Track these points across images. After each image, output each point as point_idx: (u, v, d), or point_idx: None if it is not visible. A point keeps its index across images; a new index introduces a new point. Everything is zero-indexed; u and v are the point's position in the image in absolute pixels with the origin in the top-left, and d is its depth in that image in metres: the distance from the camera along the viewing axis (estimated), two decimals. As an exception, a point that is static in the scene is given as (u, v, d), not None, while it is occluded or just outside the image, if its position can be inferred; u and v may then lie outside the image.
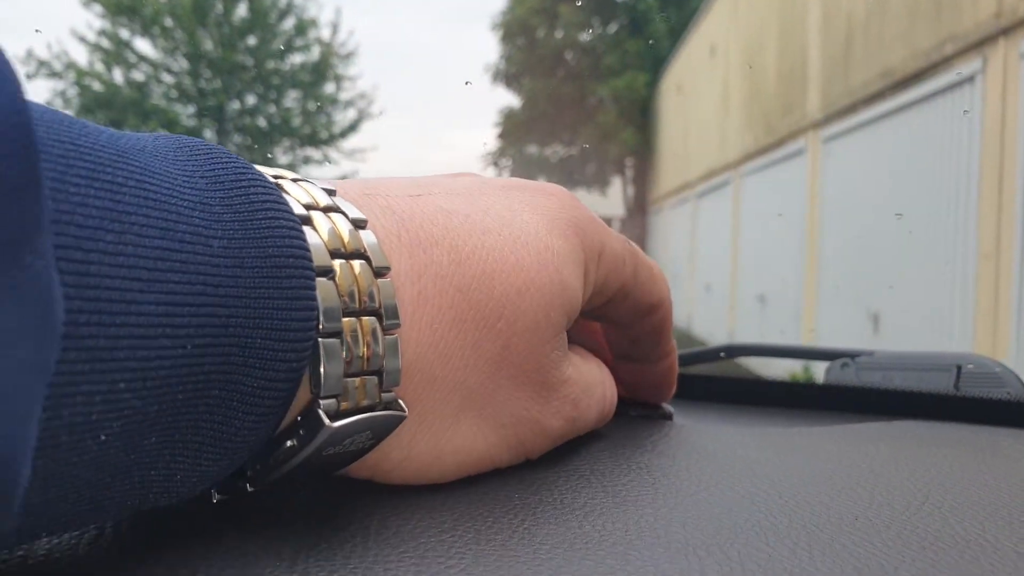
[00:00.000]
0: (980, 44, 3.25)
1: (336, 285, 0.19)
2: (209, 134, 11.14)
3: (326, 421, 0.18)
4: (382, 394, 0.20)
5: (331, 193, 0.21)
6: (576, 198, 0.27)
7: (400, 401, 0.21)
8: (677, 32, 10.60)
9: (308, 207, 0.19)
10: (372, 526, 0.20)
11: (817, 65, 5.04)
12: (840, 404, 0.40)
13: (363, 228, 0.20)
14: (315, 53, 11.61)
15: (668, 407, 0.34)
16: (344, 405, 0.19)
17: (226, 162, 0.19)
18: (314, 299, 0.18)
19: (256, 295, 0.17)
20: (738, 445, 0.28)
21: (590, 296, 0.27)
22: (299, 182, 0.20)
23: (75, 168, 0.15)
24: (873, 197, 4.08)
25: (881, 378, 0.42)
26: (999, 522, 0.21)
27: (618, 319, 0.30)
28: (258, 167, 0.20)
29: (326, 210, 0.20)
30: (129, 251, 0.15)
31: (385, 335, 0.20)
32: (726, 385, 0.41)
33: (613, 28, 12.96)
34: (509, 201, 0.25)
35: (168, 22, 10.79)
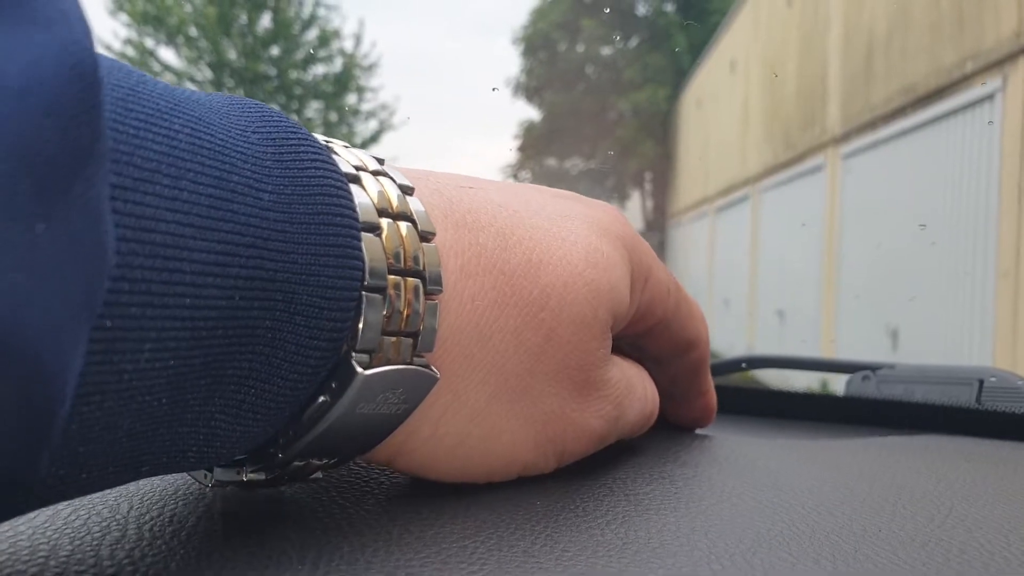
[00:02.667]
0: (1001, 62, 3.23)
1: (382, 243, 0.19)
2: (231, 143, 11.20)
3: (358, 369, 0.18)
4: (415, 357, 0.20)
5: (380, 162, 0.21)
6: (627, 220, 0.27)
7: (433, 368, 0.20)
8: (698, 47, 10.61)
9: (357, 168, 0.19)
10: (394, 531, 0.20)
11: (837, 81, 5.02)
12: (861, 417, 0.39)
13: (410, 195, 0.20)
14: (338, 64, 11.70)
15: None
16: (377, 361, 0.19)
17: (277, 121, 0.19)
18: (360, 256, 0.18)
19: (303, 251, 0.17)
20: (760, 456, 0.28)
21: (633, 318, 0.27)
22: (349, 148, 0.20)
23: (133, 112, 0.15)
24: (892, 214, 4.06)
25: (902, 391, 0.42)
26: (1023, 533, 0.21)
27: (657, 354, 0.30)
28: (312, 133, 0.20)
29: (375, 173, 0.20)
30: (184, 196, 0.15)
31: (427, 299, 0.20)
32: (748, 397, 0.41)
33: (634, 42, 12.98)
34: (560, 207, 0.25)
35: (193, 32, 10.92)
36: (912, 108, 3.94)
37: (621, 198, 13.47)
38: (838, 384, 0.48)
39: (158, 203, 0.14)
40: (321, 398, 0.18)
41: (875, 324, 4.10)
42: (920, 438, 0.34)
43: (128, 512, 0.20)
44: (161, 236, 0.14)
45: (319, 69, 11.65)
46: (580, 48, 12.94)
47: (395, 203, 0.19)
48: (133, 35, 10.92)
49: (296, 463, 0.19)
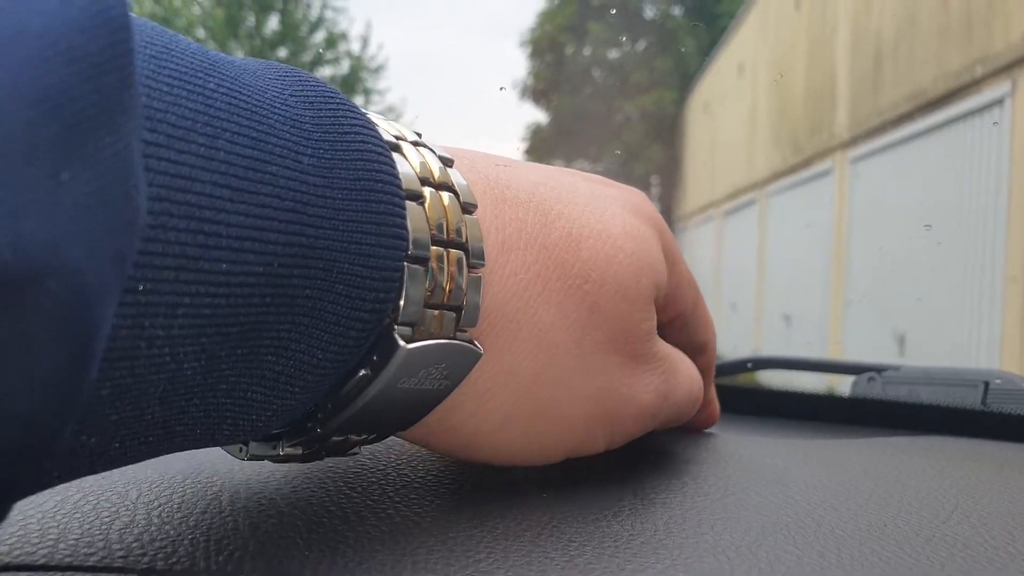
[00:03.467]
0: (1010, 67, 3.22)
1: (425, 212, 0.18)
2: (238, 144, 11.24)
3: (401, 343, 0.17)
4: (457, 332, 0.19)
5: (419, 135, 0.20)
6: (654, 207, 0.27)
7: (476, 343, 0.20)
8: (705, 50, 10.60)
9: (397, 138, 0.19)
10: (400, 520, 0.20)
11: (845, 85, 5.02)
12: (867, 418, 0.39)
13: (450, 167, 0.20)
14: (345, 66, 11.73)
15: None
16: (419, 335, 0.18)
17: (315, 85, 0.18)
18: (404, 226, 0.17)
19: (344, 217, 0.16)
20: (766, 454, 0.28)
21: (660, 305, 0.26)
22: (387, 119, 0.20)
23: (167, 68, 0.14)
24: (900, 218, 4.05)
25: (907, 393, 0.42)
26: (1029, 532, 0.21)
27: None
28: None
29: (414, 144, 0.19)
30: (221, 156, 0.14)
31: (470, 272, 0.19)
32: (753, 397, 0.41)
33: (641, 45, 12.98)
34: (593, 187, 0.25)
35: (201, 33, 10.96)
36: (921, 112, 3.94)
37: (628, 201, 13.45)
38: (845, 386, 0.48)
39: (193, 162, 0.14)
40: (362, 371, 0.18)
41: (882, 329, 4.09)
42: (925, 439, 0.34)
43: (137, 498, 0.20)
44: (196, 196, 0.14)
45: (326, 71, 11.67)
46: (587, 51, 12.95)
47: (437, 174, 0.19)
48: (142, 36, 10.94)
49: (335, 438, 0.19)
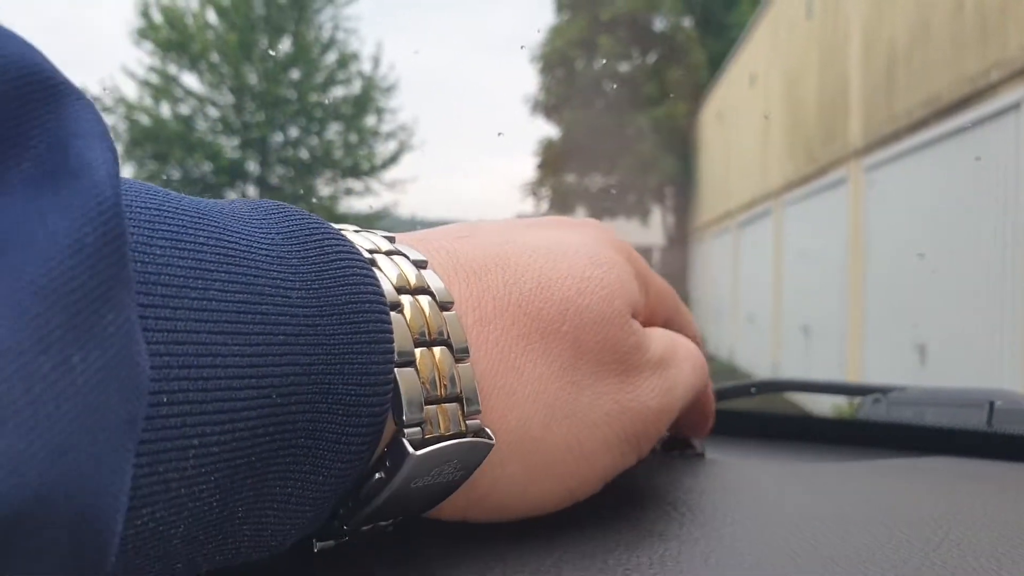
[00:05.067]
0: (1026, 71, 3.20)
1: (406, 320, 0.19)
2: (253, 166, 11.37)
3: (410, 449, 0.19)
4: (467, 421, 0.20)
5: (391, 240, 0.22)
6: (616, 234, 0.28)
7: (487, 429, 0.21)
8: (717, 61, 10.61)
9: (372, 252, 0.20)
10: (397, 564, 0.21)
11: (859, 93, 5.00)
12: (872, 440, 0.40)
13: (424, 268, 0.21)
14: (357, 86, 11.81)
15: (700, 445, 0.35)
16: (429, 434, 0.19)
17: (298, 218, 0.20)
18: (391, 339, 0.19)
19: (336, 340, 0.18)
20: (765, 480, 0.29)
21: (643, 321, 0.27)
22: (360, 232, 0.22)
23: (160, 231, 0.16)
24: (917, 226, 4.02)
25: (913, 414, 0.43)
26: (1016, 559, 0.21)
27: None
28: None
29: (388, 254, 0.21)
30: (213, 306, 0.16)
31: (458, 363, 0.20)
32: (758, 421, 0.41)
33: (652, 58, 13.00)
34: (552, 229, 0.26)
35: (215, 57, 11.08)
36: (935, 119, 3.92)
37: (642, 214, 13.45)
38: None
39: (188, 315, 0.15)
40: (377, 475, 0.19)
41: (902, 339, 4.06)
42: (927, 460, 0.34)
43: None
44: (193, 347, 0.15)
45: (339, 91, 11.76)
46: (598, 65, 13.00)
47: (413, 280, 0.20)
48: (157, 63, 11.10)
49: (363, 528, 0.20)
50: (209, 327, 0.16)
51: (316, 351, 0.17)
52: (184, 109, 11.11)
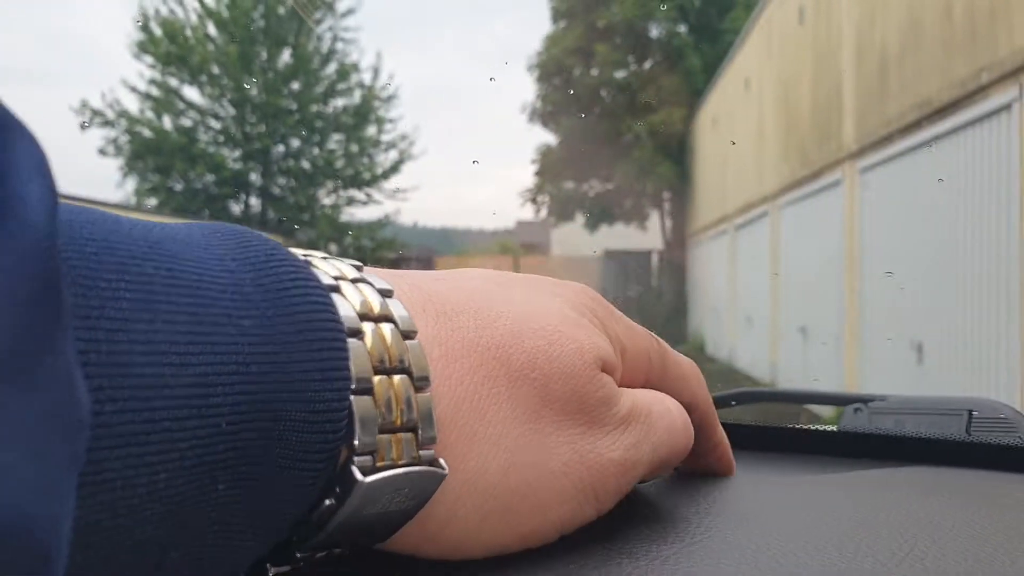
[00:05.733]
0: (1016, 72, 3.22)
1: (366, 347, 0.19)
2: (255, 177, 11.39)
3: (359, 476, 0.18)
4: (420, 452, 0.20)
5: (358, 268, 0.22)
6: (598, 296, 0.28)
7: (441, 460, 0.20)
8: (712, 66, 10.63)
9: (337, 278, 0.20)
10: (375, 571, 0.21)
11: (852, 96, 5.02)
12: (851, 450, 0.40)
13: (389, 297, 0.21)
14: (357, 97, 11.85)
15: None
16: (380, 463, 0.19)
17: (257, 245, 0.19)
18: (347, 366, 0.19)
19: (289, 368, 0.17)
20: (738, 496, 0.29)
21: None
22: (327, 259, 0.21)
23: (106, 264, 0.16)
24: (911, 227, 4.03)
25: (893, 423, 0.43)
26: (983, 570, 0.22)
27: None
28: (291, 249, 0.21)
29: (354, 281, 0.21)
30: (160, 338, 0.16)
31: (417, 393, 0.20)
32: (738, 432, 0.42)
33: (648, 64, 13.03)
34: (529, 286, 0.26)
35: (215, 70, 11.11)
36: (928, 121, 3.93)
37: (641, 218, 13.47)
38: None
39: (132, 348, 0.15)
40: (327, 501, 0.19)
41: (899, 338, 4.06)
42: (904, 471, 0.35)
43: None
44: (138, 379, 0.15)
45: (339, 102, 11.80)
46: (594, 72, 13.02)
47: (376, 308, 0.20)
48: (157, 75, 11.14)
49: (318, 554, 0.20)
50: (155, 359, 0.15)
51: (267, 379, 0.17)
52: (186, 121, 11.16)
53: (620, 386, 0.26)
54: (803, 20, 6.08)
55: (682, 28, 12.76)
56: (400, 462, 0.19)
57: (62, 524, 0.13)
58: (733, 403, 0.46)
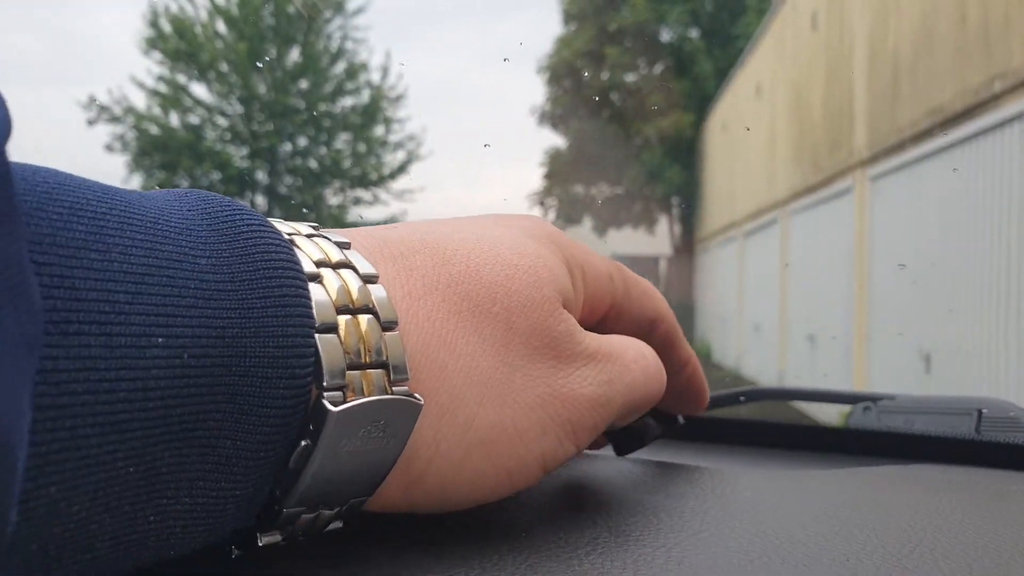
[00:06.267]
0: (1031, 81, 3.20)
1: (327, 289, 0.19)
2: (261, 175, 11.43)
3: (329, 407, 0.18)
4: (393, 388, 0.20)
5: (315, 227, 0.22)
6: (551, 224, 0.28)
7: (417, 395, 0.20)
8: (723, 71, 10.62)
9: (291, 235, 0.20)
10: (380, 562, 0.21)
11: (864, 103, 5.01)
12: (860, 448, 0.40)
13: (347, 249, 0.21)
14: (365, 96, 11.86)
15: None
16: (352, 396, 0.19)
17: (213, 200, 0.20)
18: (308, 305, 0.19)
19: (249, 305, 0.18)
20: (745, 488, 0.29)
21: (584, 313, 0.28)
22: (284, 222, 0.21)
23: (59, 200, 0.16)
24: (922, 235, 4.01)
25: (903, 422, 0.43)
26: (987, 563, 0.22)
27: None
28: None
29: (309, 236, 0.21)
30: (115, 267, 0.16)
31: (385, 332, 0.20)
32: (747, 429, 0.42)
33: (659, 68, 13.02)
34: (483, 221, 0.26)
35: (223, 67, 11.14)
36: (940, 129, 3.92)
37: (649, 223, 13.46)
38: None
39: (87, 275, 0.15)
40: (303, 442, 0.18)
41: (908, 348, 4.05)
42: (913, 468, 0.34)
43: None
44: (94, 304, 0.15)
45: (347, 101, 11.82)
46: (604, 75, 13.02)
47: (334, 257, 0.20)
48: (166, 72, 11.18)
49: (305, 515, 0.20)
50: (110, 287, 0.15)
51: (229, 315, 0.17)
52: (193, 119, 11.18)
53: (587, 310, 0.27)
54: (816, 26, 6.06)
55: (693, 32, 12.75)
56: (374, 397, 0.19)
57: (20, 423, 0.13)
58: (742, 399, 0.46)
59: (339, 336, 0.19)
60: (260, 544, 0.20)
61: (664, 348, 0.31)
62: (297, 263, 0.19)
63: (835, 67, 5.60)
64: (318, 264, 0.20)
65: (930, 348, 3.84)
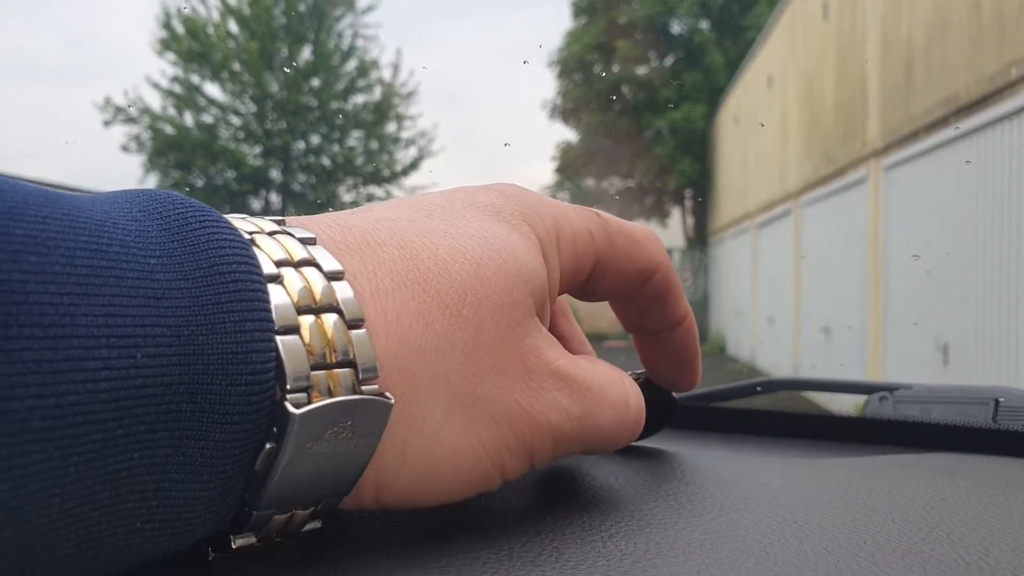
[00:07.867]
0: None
1: (287, 289, 0.19)
2: (275, 174, 11.47)
3: (291, 409, 0.18)
4: (362, 387, 0.19)
5: (279, 223, 0.21)
6: (521, 187, 0.27)
7: (387, 393, 0.20)
8: (734, 63, 10.57)
9: (252, 232, 0.20)
10: (402, 539, 0.22)
11: (877, 93, 4.97)
12: (876, 437, 0.40)
13: (312, 244, 0.21)
14: (377, 93, 11.89)
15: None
16: (317, 397, 0.18)
17: (165, 199, 0.19)
18: (266, 306, 0.18)
19: (205, 302, 0.17)
20: (763, 474, 0.30)
21: (565, 278, 0.26)
22: (245, 219, 0.21)
23: None
24: (937, 225, 3.99)
25: (919, 411, 0.43)
26: (1004, 548, 0.22)
27: (614, 293, 0.29)
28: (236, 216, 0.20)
29: (272, 234, 0.20)
30: (56, 269, 0.15)
31: (351, 330, 0.19)
32: (763, 419, 0.42)
33: (670, 61, 12.97)
34: (451, 202, 0.25)
35: (236, 67, 11.19)
36: (955, 117, 3.89)
37: (661, 216, 13.41)
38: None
39: (26, 279, 0.15)
40: (268, 444, 0.18)
41: (924, 339, 4.02)
42: (929, 456, 0.35)
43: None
44: (37, 307, 0.14)
45: (359, 99, 11.85)
46: (615, 69, 12.98)
47: (297, 255, 0.20)
48: (180, 72, 11.24)
49: (277, 516, 0.19)
50: (53, 288, 0.15)
51: (183, 312, 0.17)
52: (207, 118, 11.25)
53: (569, 276, 0.26)
54: (827, 15, 6.02)
55: (704, 24, 12.68)
56: (341, 397, 0.19)
57: None
58: (759, 389, 0.46)
59: (302, 337, 0.18)
60: (234, 547, 0.19)
61: (659, 299, 0.29)
62: (253, 259, 0.18)
63: (847, 56, 5.56)
64: (279, 264, 0.19)
65: (948, 339, 3.82)
